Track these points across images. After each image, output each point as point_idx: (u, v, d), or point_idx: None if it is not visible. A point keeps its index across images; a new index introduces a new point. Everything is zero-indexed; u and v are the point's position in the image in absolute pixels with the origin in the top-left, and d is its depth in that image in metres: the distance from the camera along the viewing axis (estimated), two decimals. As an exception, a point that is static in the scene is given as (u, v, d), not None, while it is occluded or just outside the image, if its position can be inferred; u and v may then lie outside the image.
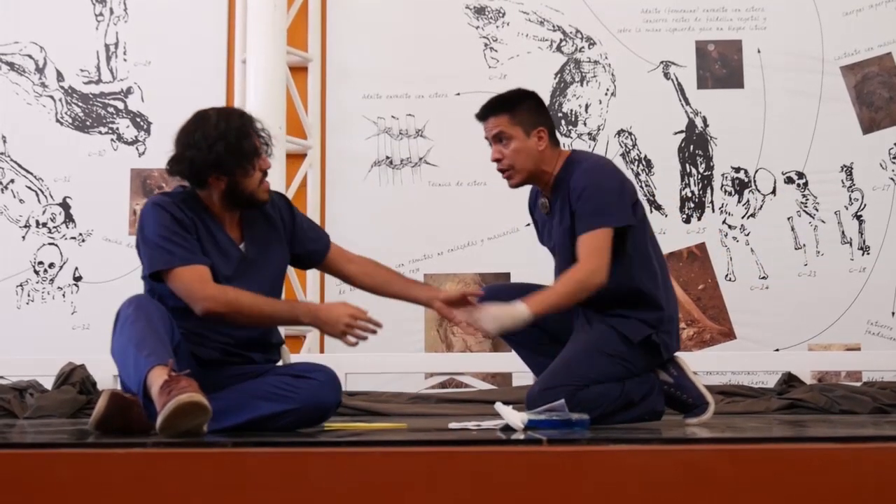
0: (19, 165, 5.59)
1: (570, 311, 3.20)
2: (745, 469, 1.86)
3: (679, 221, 5.50)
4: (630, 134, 5.55)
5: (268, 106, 5.14)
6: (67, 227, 5.55)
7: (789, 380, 4.77)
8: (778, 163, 5.50)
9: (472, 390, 5.01)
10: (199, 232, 2.81)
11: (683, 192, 5.53)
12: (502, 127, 3.11)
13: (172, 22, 5.66)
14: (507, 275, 5.27)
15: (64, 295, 5.50)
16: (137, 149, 5.60)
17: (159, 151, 2.87)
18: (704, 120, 5.55)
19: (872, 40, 5.56)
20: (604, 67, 5.62)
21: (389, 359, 5.17)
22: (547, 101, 5.52)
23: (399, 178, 5.59)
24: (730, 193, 5.50)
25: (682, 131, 5.55)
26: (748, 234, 5.47)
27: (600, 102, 5.60)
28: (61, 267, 5.52)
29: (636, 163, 5.52)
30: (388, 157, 5.60)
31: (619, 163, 5.46)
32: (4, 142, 5.60)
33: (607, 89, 5.60)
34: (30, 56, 5.67)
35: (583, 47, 5.63)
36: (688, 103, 5.56)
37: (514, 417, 2.62)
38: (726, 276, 5.45)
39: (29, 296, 5.49)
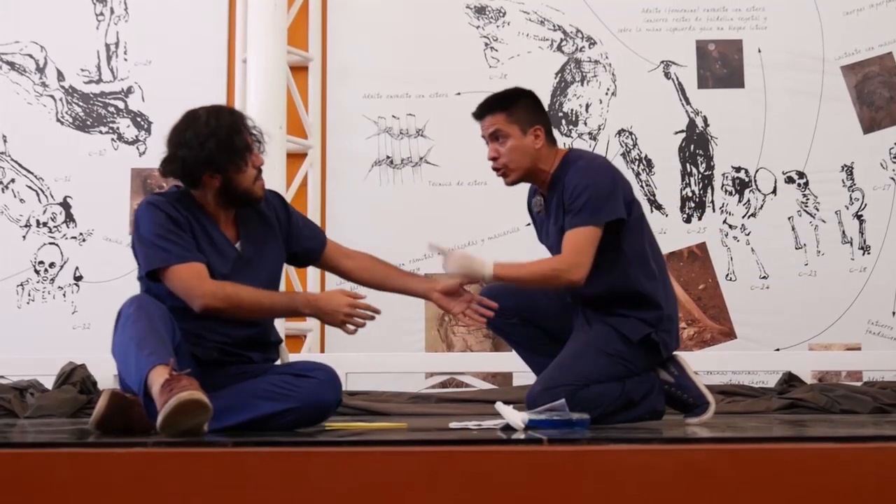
0: (20, 165, 5.59)
1: (570, 311, 3.21)
2: (745, 469, 1.86)
3: (679, 221, 5.50)
4: (630, 133, 5.55)
5: (268, 105, 5.14)
6: (68, 227, 5.55)
7: (790, 379, 4.77)
8: (778, 162, 5.50)
9: (473, 390, 5.01)
10: (194, 231, 2.81)
11: (684, 192, 5.52)
12: (499, 125, 3.12)
13: (173, 21, 5.65)
14: (508, 274, 5.27)
15: (64, 294, 5.50)
16: (138, 148, 5.60)
17: (160, 151, 2.86)
18: (705, 119, 5.54)
19: (873, 40, 5.55)
20: (604, 67, 5.62)
21: (390, 358, 5.18)
22: (547, 101, 5.56)
23: (399, 177, 5.59)
24: (730, 193, 5.50)
25: (682, 131, 5.55)
26: (749, 234, 5.47)
27: (601, 102, 5.60)
28: (62, 266, 5.52)
29: (637, 162, 5.52)
30: (388, 157, 5.60)
31: (620, 162, 5.46)
32: (5, 141, 5.61)
33: (608, 89, 5.60)
34: (30, 56, 5.66)
35: (583, 47, 5.63)
36: (688, 103, 5.56)
37: (515, 417, 2.62)
38: (727, 275, 5.45)
39: (29, 295, 5.49)
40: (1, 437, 2.58)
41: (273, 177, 4.97)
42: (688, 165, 5.53)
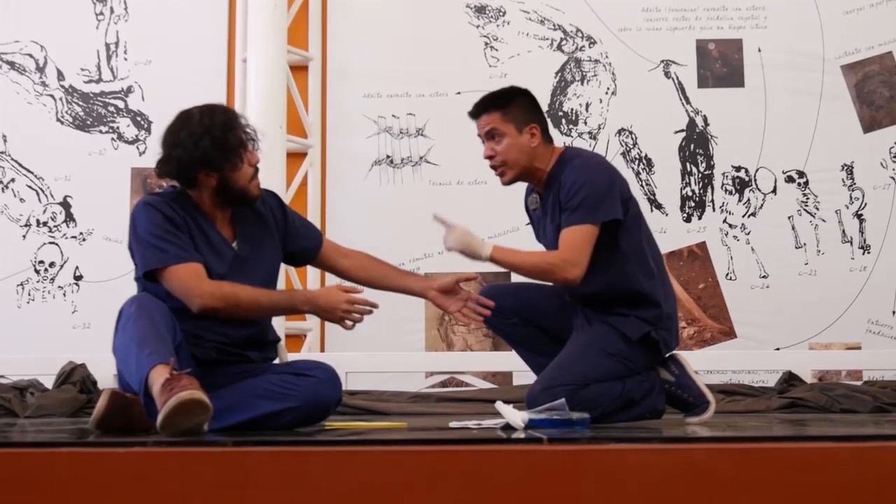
0: (20, 164, 5.59)
1: (569, 311, 3.21)
2: (745, 468, 1.86)
3: (680, 220, 5.50)
4: (631, 133, 5.55)
5: (268, 105, 5.14)
6: (68, 227, 5.55)
7: (790, 379, 4.77)
8: (778, 162, 5.50)
9: (473, 389, 5.01)
10: (191, 231, 2.81)
11: (684, 191, 5.52)
12: (494, 124, 3.12)
13: (173, 21, 5.65)
14: (508, 274, 5.26)
15: (64, 294, 5.50)
16: (138, 148, 5.60)
17: (159, 151, 2.86)
18: (705, 119, 5.54)
19: (873, 39, 5.55)
20: (604, 66, 5.62)
21: (390, 358, 5.18)
22: (547, 100, 5.56)
23: (399, 177, 5.59)
24: (730, 192, 5.50)
25: (682, 130, 5.55)
26: (749, 233, 5.47)
27: (601, 101, 5.59)
28: (62, 266, 5.52)
29: (637, 162, 5.52)
30: (388, 157, 5.60)
31: (620, 162, 5.46)
32: (5, 141, 5.60)
33: (608, 88, 5.60)
34: (30, 55, 5.66)
35: (583, 46, 5.63)
36: (688, 102, 5.56)
37: (515, 416, 2.62)
38: (727, 275, 5.45)
39: (29, 295, 5.50)
40: (1, 437, 2.58)
41: (273, 176, 4.99)
42: (688, 165, 5.53)
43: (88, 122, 5.64)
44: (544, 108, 5.46)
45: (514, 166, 3.13)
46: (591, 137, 5.56)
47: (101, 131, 5.63)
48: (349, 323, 2.82)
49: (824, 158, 5.47)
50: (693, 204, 5.51)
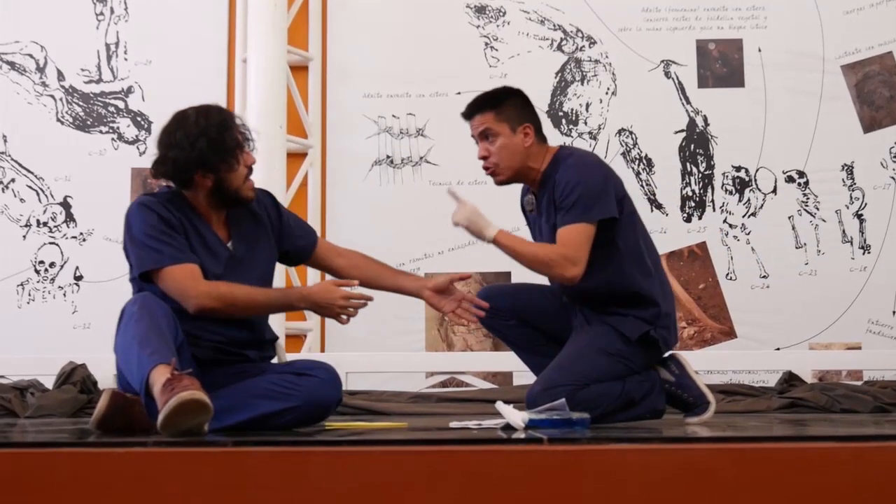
0: (20, 165, 5.59)
1: (567, 311, 3.21)
2: (745, 468, 1.86)
3: (680, 220, 5.50)
4: (631, 133, 5.55)
5: (268, 105, 5.14)
6: (68, 227, 5.55)
7: (790, 379, 4.77)
8: (779, 162, 5.50)
9: (473, 389, 5.01)
10: (186, 231, 2.81)
11: (684, 191, 5.52)
12: (488, 124, 3.12)
13: (173, 21, 5.65)
14: (508, 274, 5.27)
15: (65, 294, 5.50)
16: (138, 148, 5.60)
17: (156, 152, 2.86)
18: (705, 119, 5.54)
19: (873, 39, 5.55)
20: (604, 66, 5.62)
21: (390, 358, 5.18)
22: (547, 101, 5.56)
23: (400, 177, 5.59)
24: (730, 192, 5.50)
25: (682, 130, 5.55)
26: (749, 233, 5.47)
27: (601, 101, 5.59)
28: (62, 266, 5.52)
29: (637, 162, 5.52)
30: (388, 157, 5.60)
31: (620, 162, 5.46)
32: (5, 141, 5.61)
33: (608, 88, 5.60)
34: (30, 55, 5.67)
35: (583, 46, 5.63)
36: (688, 102, 5.56)
37: (515, 417, 2.62)
38: (727, 275, 5.45)
39: (30, 295, 5.50)
40: (1, 437, 2.58)
41: (273, 176, 5.00)
42: (688, 165, 5.53)
43: (88, 123, 5.64)
44: (544, 108, 5.55)
45: (508, 167, 3.13)
46: (591, 137, 5.56)
47: (101, 131, 5.63)
48: (345, 317, 2.82)
49: (824, 158, 5.47)
50: (693, 204, 5.51)
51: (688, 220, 5.50)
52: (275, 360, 3.03)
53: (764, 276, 5.43)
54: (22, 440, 2.49)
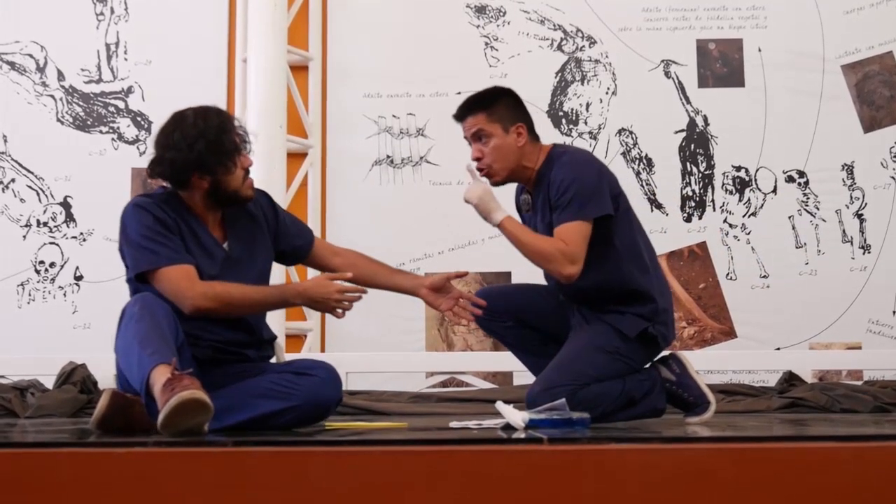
0: (20, 165, 5.59)
1: (565, 309, 3.20)
2: (745, 468, 1.86)
3: (680, 220, 5.50)
4: (631, 133, 5.55)
5: (268, 105, 5.14)
6: (68, 227, 5.55)
7: (790, 379, 4.77)
8: (779, 161, 5.50)
9: (473, 389, 5.01)
10: (182, 232, 2.81)
11: (684, 191, 5.52)
12: (480, 125, 3.11)
13: (173, 21, 5.65)
14: (508, 274, 5.27)
15: (65, 294, 5.50)
16: (138, 148, 5.60)
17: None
18: (705, 119, 5.54)
19: (873, 39, 5.55)
20: (605, 66, 5.62)
21: (390, 358, 5.18)
22: (547, 100, 5.56)
23: (400, 177, 5.59)
24: (731, 192, 5.50)
25: (682, 130, 5.55)
26: (749, 233, 5.47)
27: (601, 101, 5.59)
28: (62, 266, 5.52)
29: (637, 161, 5.52)
30: (388, 157, 5.60)
31: (620, 162, 5.46)
32: (5, 141, 5.61)
33: (608, 88, 5.60)
34: (30, 55, 5.66)
35: (583, 46, 5.63)
36: (688, 102, 5.56)
37: (515, 416, 2.62)
38: (727, 274, 5.45)
39: (30, 295, 5.50)
40: (1, 437, 2.58)
41: (273, 176, 5.00)
42: (688, 164, 5.53)
43: (88, 123, 5.64)
44: (544, 108, 5.55)
45: (503, 167, 3.12)
46: (591, 137, 5.56)
47: (101, 131, 5.63)
48: (340, 311, 2.82)
49: (824, 158, 5.47)
50: (693, 204, 5.51)
51: (688, 219, 5.50)
52: (273, 360, 3.03)
53: (764, 276, 5.43)
54: (22, 440, 2.49)
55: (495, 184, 3.17)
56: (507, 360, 4.66)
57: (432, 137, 5.57)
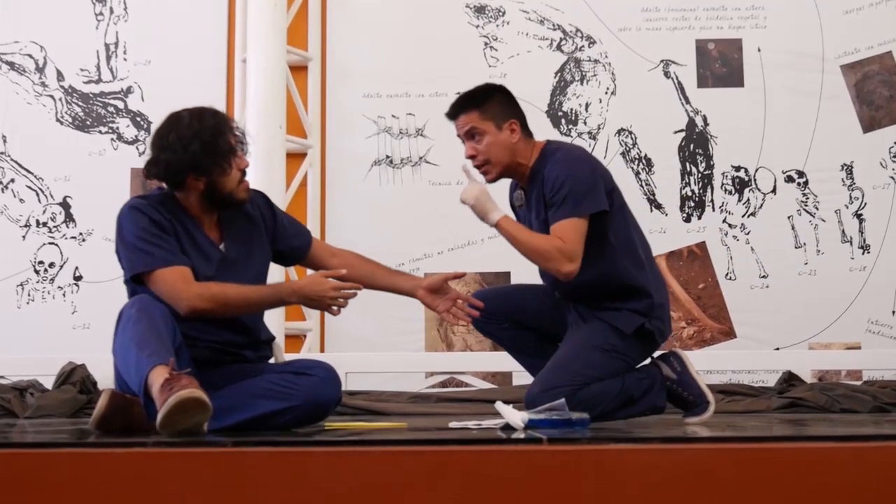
0: (19, 165, 5.59)
1: (561, 308, 3.20)
2: (745, 468, 1.86)
3: (679, 220, 5.50)
4: (630, 133, 5.55)
5: (268, 105, 5.14)
6: (68, 227, 5.55)
7: (790, 379, 4.77)
8: (778, 161, 5.50)
9: (473, 389, 5.01)
10: (178, 234, 2.81)
11: (684, 191, 5.52)
12: (473, 122, 3.11)
13: (172, 21, 5.65)
14: (508, 274, 5.27)
15: (64, 294, 5.50)
16: (138, 148, 5.60)
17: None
18: (705, 119, 5.54)
19: (873, 39, 5.55)
20: (604, 66, 5.62)
21: (390, 358, 5.18)
22: (547, 100, 5.56)
23: (399, 177, 5.59)
24: (730, 192, 5.50)
25: (682, 130, 5.55)
26: (748, 233, 5.47)
27: (600, 101, 5.59)
28: (61, 266, 5.52)
29: (636, 162, 5.52)
30: (388, 157, 5.60)
31: (620, 162, 5.46)
32: (4, 141, 5.60)
33: (607, 88, 5.60)
34: (30, 55, 5.66)
35: (583, 46, 5.63)
36: (688, 102, 5.56)
37: (515, 417, 2.62)
38: (726, 274, 5.45)
39: (29, 295, 5.49)
40: (1, 437, 2.58)
41: (273, 176, 5.00)
42: (687, 165, 5.53)
43: (88, 123, 5.64)
44: (544, 108, 5.55)
45: (497, 164, 3.12)
46: (590, 137, 5.56)
47: (100, 132, 5.63)
48: (336, 309, 2.82)
49: (824, 158, 5.47)
50: (693, 204, 5.51)
51: (687, 220, 5.50)
52: (273, 361, 3.03)
53: (763, 276, 5.43)
54: (22, 440, 2.49)
55: (490, 180, 3.17)
56: (506, 361, 4.65)
57: (432, 137, 5.57)
